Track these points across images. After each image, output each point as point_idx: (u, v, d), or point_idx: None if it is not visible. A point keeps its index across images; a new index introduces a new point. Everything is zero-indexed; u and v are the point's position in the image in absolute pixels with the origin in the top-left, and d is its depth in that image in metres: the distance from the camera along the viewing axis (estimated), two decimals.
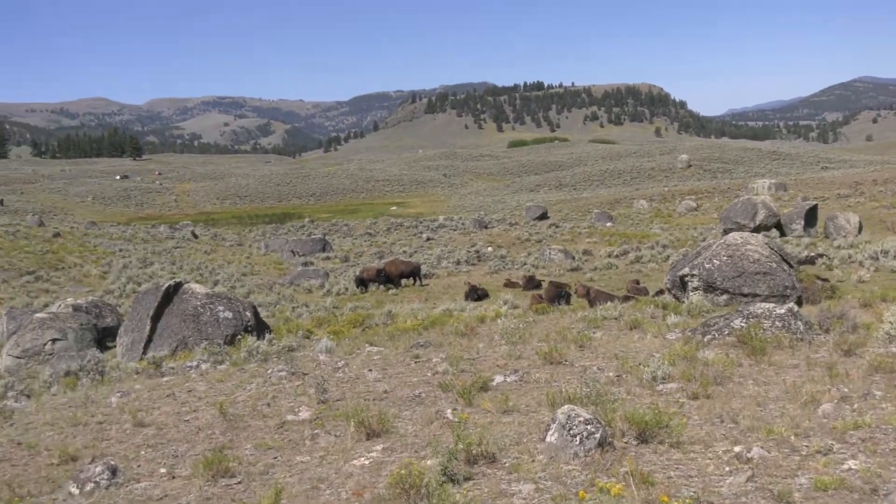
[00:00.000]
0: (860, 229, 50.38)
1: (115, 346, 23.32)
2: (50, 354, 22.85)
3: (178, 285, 21.83)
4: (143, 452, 10.49)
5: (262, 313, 25.89)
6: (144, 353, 20.08)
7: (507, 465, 8.32)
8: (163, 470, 9.73)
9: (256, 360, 16.24)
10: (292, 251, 64.91)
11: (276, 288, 42.17)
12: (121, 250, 61.73)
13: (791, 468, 7.62)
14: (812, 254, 38.81)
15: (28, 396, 16.05)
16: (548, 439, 8.58)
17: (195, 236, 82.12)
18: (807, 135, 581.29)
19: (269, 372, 14.64)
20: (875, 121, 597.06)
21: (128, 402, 13.48)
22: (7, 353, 23.20)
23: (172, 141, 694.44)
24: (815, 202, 59.17)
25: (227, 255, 66.32)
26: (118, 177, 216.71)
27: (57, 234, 63.90)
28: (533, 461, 8.35)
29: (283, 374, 14.28)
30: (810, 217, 54.87)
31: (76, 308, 27.04)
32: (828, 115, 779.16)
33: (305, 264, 54.59)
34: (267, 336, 19.23)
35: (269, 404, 12.28)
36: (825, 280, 27.54)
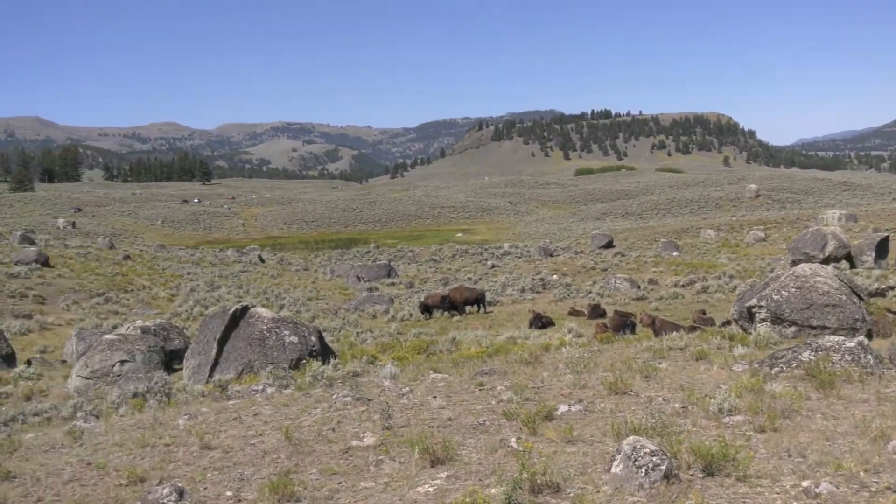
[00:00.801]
0: None
1: (181, 369, 23.61)
2: (118, 376, 23.17)
3: (244, 309, 22.06)
4: (209, 475, 10.60)
5: (327, 338, 26.04)
6: (211, 375, 20.28)
7: (571, 495, 8.30)
8: (229, 493, 9.82)
9: (321, 385, 16.33)
10: (357, 276, 65.31)
11: (341, 313, 42.44)
12: (189, 273, 62.58)
13: None
14: (883, 286, 38.17)
15: (97, 417, 16.26)
16: (613, 470, 8.55)
17: (262, 260, 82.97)
18: (878, 165, 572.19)
19: (333, 397, 14.72)
20: None
21: (195, 424, 13.63)
22: (76, 374, 23.55)
23: (241, 166, 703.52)
24: (886, 234, 58.20)
25: (293, 279, 66.90)
26: (191, 200, 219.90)
27: (127, 257, 65.05)
28: (598, 492, 8.33)
29: (348, 399, 14.35)
30: (881, 249, 54.01)
31: (144, 330, 27.43)
32: None
33: (370, 290, 54.84)
34: (332, 361, 19.34)
35: (333, 429, 12.34)
36: None
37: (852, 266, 52.03)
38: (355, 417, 13.05)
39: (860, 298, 21.17)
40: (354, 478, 9.93)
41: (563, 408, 12.50)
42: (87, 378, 23.21)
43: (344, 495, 9.32)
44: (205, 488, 10.08)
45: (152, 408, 16.27)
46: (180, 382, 20.46)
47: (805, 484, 8.08)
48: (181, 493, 9.48)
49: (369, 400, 14.22)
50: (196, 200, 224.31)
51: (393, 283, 61.02)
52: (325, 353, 21.24)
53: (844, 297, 20.03)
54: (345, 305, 46.63)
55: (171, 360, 26.36)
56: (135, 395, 17.89)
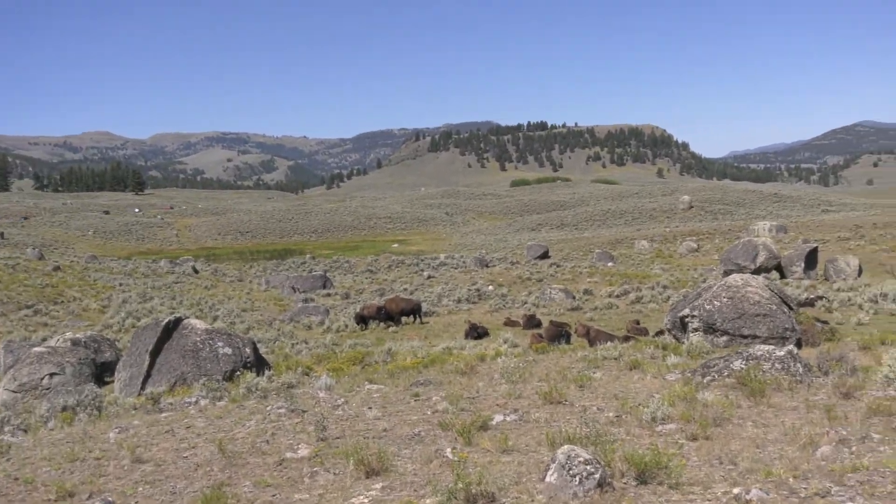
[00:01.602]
0: (860, 272, 50.52)
1: (113, 381, 23.25)
2: (47, 389, 22.75)
3: (177, 320, 21.84)
4: (140, 489, 10.46)
5: (262, 349, 25.86)
6: (143, 388, 20.03)
7: None
8: None
9: (256, 397, 16.22)
10: (293, 287, 64.91)
11: (275, 324, 42.14)
12: (121, 285, 61.70)
13: None
14: (812, 296, 38.83)
15: (25, 431, 15.98)
16: (547, 479, 8.58)
17: (196, 271, 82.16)
18: (808, 178, 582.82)
19: (268, 409, 14.63)
20: (876, 165, 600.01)
21: (126, 437, 13.45)
22: (4, 388, 23.08)
23: (175, 176, 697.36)
24: (815, 245, 59.29)
25: (227, 290, 66.32)
26: (132, 210, 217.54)
27: (57, 268, 63.95)
28: (532, 501, 8.36)
29: (283, 411, 14.26)
30: (810, 259, 54.99)
31: (74, 342, 26.96)
32: (829, 159, 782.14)
33: (306, 301, 54.52)
34: (266, 372, 19.18)
35: (268, 441, 12.26)
36: (825, 322, 27.52)
37: (782, 276, 52.91)
38: (290, 429, 12.97)
39: (790, 308, 21.52)
40: (289, 490, 9.87)
41: (498, 418, 12.54)
42: (14, 392, 22.79)
43: None
44: (136, 502, 9.96)
45: (82, 421, 16.02)
46: (111, 395, 20.15)
47: (736, 491, 8.18)
48: None
49: (304, 411, 14.15)
50: (137, 210, 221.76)
51: (329, 294, 60.74)
52: (259, 364, 21.09)
53: (775, 307, 20.35)
54: (280, 316, 46.32)
55: (102, 373, 25.95)
56: (64, 409, 17.59)
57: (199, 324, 21.86)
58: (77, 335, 28.46)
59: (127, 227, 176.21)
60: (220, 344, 20.82)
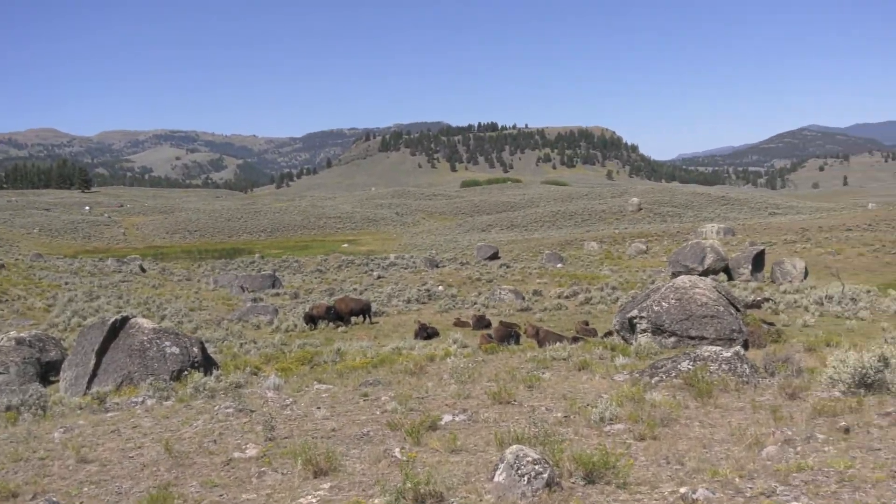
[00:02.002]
0: (806, 274, 51.21)
1: (58, 381, 22.98)
2: None
3: (124, 319, 21.63)
4: (86, 489, 10.34)
5: (210, 349, 25.66)
6: (89, 388, 19.82)
7: None
8: None
9: (203, 397, 16.10)
10: (241, 287, 64.44)
11: (224, 324, 41.84)
12: (66, 283, 60.94)
13: None
14: (758, 298, 39.31)
15: None
16: (496, 479, 8.59)
17: (143, 270, 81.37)
18: (755, 181, 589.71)
19: (215, 408, 14.52)
20: (822, 168, 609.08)
21: (71, 437, 13.29)
22: None
23: (122, 174, 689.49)
24: (762, 247, 60.03)
25: (175, 289, 65.71)
26: (83, 209, 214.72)
27: (1, 266, 63.03)
28: (481, 501, 8.36)
29: (231, 410, 14.17)
30: (757, 262, 55.65)
31: (19, 341, 26.61)
32: (776, 162, 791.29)
33: (254, 300, 54.18)
34: (214, 372, 19.06)
35: (215, 441, 12.17)
36: (771, 324, 27.89)
37: (730, 278, 53.48)
38: (238, 429, 12.89)
39: (737, 310, 21.75)
40: (236, 490, 9.81)
41: (447, 418, 12.54)
42: None
43: None
44: (81, 502, 9.84)
45: (26, 421, 15.80)
46: (57, 395, 19.89)
47: (683, 490, 8.24)
48: None
49: (252, 411, 14.06)
50: (87, 208, 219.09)
51: (278, 294, 60.39)
52: (207, 364, 20.94)
53: (722, 309, 20.55)
54: (228, 316, 45.99)
55: (47, 372, 25.64)
56: (8, 409, 17.35)
57: (146, 323, 21.67)
58: (21, 334, 28.07)
59: (73, 225, 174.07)
60: (167, 343, 20.65)
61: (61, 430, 14.01)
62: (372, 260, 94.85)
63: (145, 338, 20.73)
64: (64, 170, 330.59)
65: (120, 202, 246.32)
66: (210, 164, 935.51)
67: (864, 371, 12.43)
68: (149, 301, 51.85)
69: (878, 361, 12.58)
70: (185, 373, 19.30)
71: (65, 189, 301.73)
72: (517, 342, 27.57)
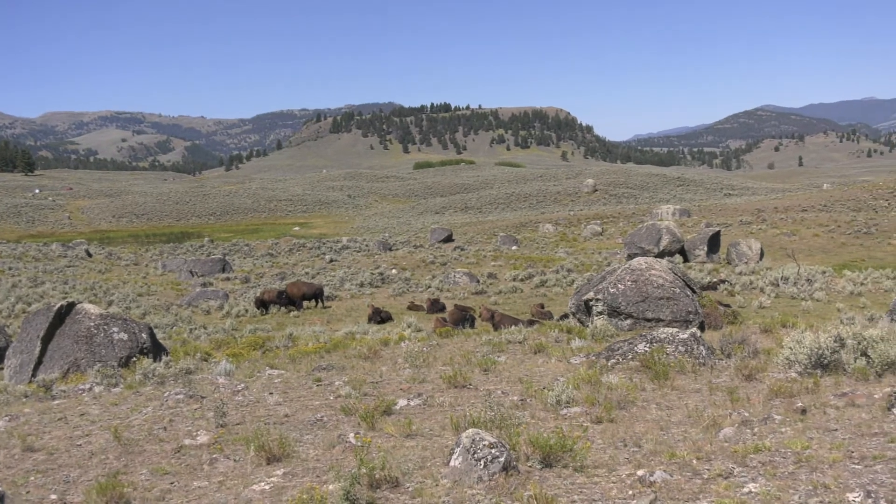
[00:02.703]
0: (762, 256, 51.71)
1: (2, 368, 22.74)
2: None
3: (70, 305, 21.41)
4: (32, 478, 10.23)
5: (159, 335, 25.51)
6: (34, 375, 19.61)
7: (410, 489, 8.32)
8: (53, 496, 9.50)
9: (152, 383, 15.98)
10: (191, 271, 63.99)
11: (173, 309, 41.54)
12: (10, 269, 60.32)
13: (693, 491, 7.76)
14: (715, 279, 39.67)
15: None
16: (452, 463, 8.61)
17: (89, 255, 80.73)
18: (711, 161, 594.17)
19: (165, 395, 14.41)
20: (777, 149, 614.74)
21: (16, 426, 13.13)
22: None
23: (67, 156, 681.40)
24: (718, 228, 60.54)
25: (122, 274, 65.15)
26: (32, 191, 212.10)
27: None
28: (437, 485, 8.38)
29: (181, 397, 14.08)
30: (713, 243, 56.11)
31: None
32: (731, 143, 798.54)
33: (204, 285, 53.82)
34: (163, 358, 18.91)
35: (165, 428, 12.09)
36: (727, 306, 28.14)
37: (686, 260, 53.91)
38: (188, 416, 12.81)
39: (693, 291, 21.91)
40: (187, 477, 9.75)
41: (402, 402, 12.55)
42: None
43: (176, 495, 9.13)
44: (27, 492, 9.73)
45: None
46: (1, 383, 19.68)
47: (640, 473, 8.31)
48: (1, 498, 9.15)
49: (203, 397, 13.99)
50: (37, 191, 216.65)
51: (228, 278, 60.04)
52: (156, 350, 20.78)
53: (678, 290, 20.70)
54: (177, 301, 45.69)
55: None
56: None
57: (92, 308, 21.45)
58: None
59: (16, 209, 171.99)
60: (115, 329, 20.46)
61: (6, 418, 13.85)
62: (324, 243, 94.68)
63: (92, 324, 20.52)
64: (6, 152, 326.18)
65: (69, 185, 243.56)
66: (157, 145, 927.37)
67: (820, 352, 12.58)
68: (95, 286, 51.36)
69: (834, 342, 12.74)
70: (134, 359, 19.16)
71: (7, 172, 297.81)
72: (472, 326, 27.60)
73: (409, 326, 26.88)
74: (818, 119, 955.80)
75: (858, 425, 9.62)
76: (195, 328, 32.37)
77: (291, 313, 38.00)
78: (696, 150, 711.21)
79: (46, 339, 20.50)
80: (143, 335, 20.81)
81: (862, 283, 38.17)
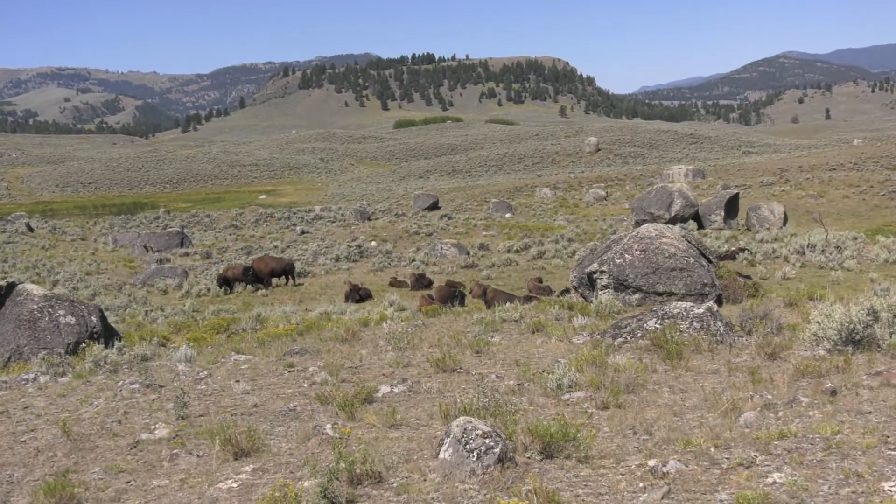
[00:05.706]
0: (785, 221, 51.74)
1: None
2: None
3: (10, 286, 21.42)
4: None
5: (111, 318, 25.50)
6: None
7: (395, 485, 8.33)
8: None
9: (104, 372, 15.98)
10: (145, 246, 63.89)
11: (126, 289, 41.55)
12: None
13: (711, 483, 7.78)
14: (733, 248, 39.71)
15: None
16: (441, 455, 8.62)
17: (30, 229, 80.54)
18: (727, 116, 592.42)
19: (119, 385, 14.42)
20: (801, 101, 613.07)
21: None
22: None
23: (3, 119, 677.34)
24: (736, 191, 60.49)
25: (68, 251, 65.07)
26: None
27: None
28: (425, 480, 8.39)
29: (136, 386, 14.09)
30: (731, 207, 56.12)
31: None
32: (750, 94, 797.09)
33: (160, 262, 53.76)
34: (116, 344, 18.92)
35: (119, 421, 12.10)
36: (747, 277, 28.21)
37: (700, 226, 53.98)
38: (145, 407, 12.82)
39: (709, 261, 21.95)
40: (145, 475, 9.76)
41: (384, 389, 12.57)
42: None
43: (133, 495, 9.13)
44: None
45: None
46: None
47: (651, 463, 8.32)
48: None
49: (161, 387, 14.00)
50: None
51: (187, 254, 59.99)
52: (108, 335, 20.78)
53: (692, 261, 20.72)
54: (131, 280, 45.68)
55: None
56: None
57: (35, 289, 21.41)
58: None
59: None
60: (61, 312, 20.44)
61: None
62: (294, 213, 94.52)
63: (35, 306, 20.49)
64: None
65: (13, 151, 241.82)
66: (105, 105, 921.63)
67: (851, 326, 12.58)
68: (38, 264, 51.28)
69: (867, 315, 12.73)
70: (83, 345, 19.12)
71: None
72: (462, 303, 27.63)
73: (391, 305, 26.93)
74: (847, 66, 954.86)
75: (894, 407, 9.66)
76: (151, 310, 32.40)
77: (259, 292, 38.06)
78: (710, 103, 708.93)
79: None
80: (93, 318, 20.80)
81: None
